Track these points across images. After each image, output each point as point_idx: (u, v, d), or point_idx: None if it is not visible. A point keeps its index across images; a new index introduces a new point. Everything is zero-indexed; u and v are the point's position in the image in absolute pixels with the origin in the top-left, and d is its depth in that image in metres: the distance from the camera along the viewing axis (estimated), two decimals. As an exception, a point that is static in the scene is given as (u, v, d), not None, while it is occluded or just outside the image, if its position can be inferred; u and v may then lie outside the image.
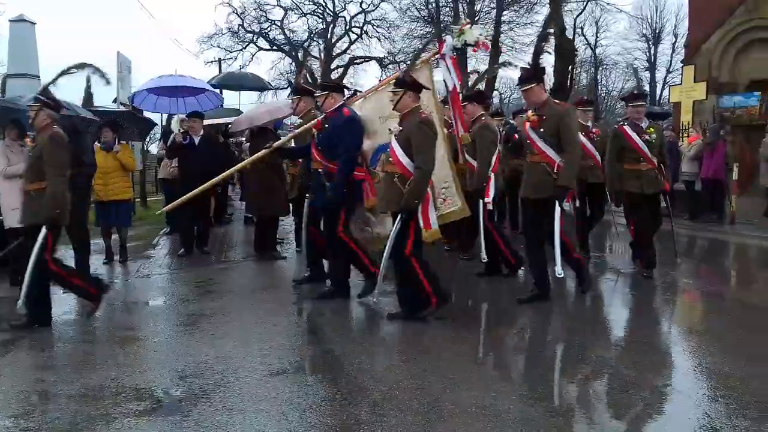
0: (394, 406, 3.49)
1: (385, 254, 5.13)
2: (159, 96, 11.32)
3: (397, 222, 5.03)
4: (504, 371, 4.14)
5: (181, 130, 8.64)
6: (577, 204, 7.25)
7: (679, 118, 16.98)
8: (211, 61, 33.00)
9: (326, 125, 5.80)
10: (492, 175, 6.54)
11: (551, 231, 5.41)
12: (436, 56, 5.97)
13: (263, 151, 6.34)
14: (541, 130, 5.46)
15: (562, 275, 5.37)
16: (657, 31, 38.01)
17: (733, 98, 17.54)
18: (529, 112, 5.77)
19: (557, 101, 5.84)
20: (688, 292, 6.11)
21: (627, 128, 6.57)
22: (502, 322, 5.36)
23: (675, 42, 36.65)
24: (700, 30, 23.54)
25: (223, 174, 6.68)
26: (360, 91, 7.32)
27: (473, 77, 10.00)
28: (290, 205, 8.36)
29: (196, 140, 8.43)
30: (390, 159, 5.14)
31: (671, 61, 37.16)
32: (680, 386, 3.81)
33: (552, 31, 22.82)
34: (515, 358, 4.48)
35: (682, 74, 19.09)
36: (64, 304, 5.88)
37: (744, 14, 22.61)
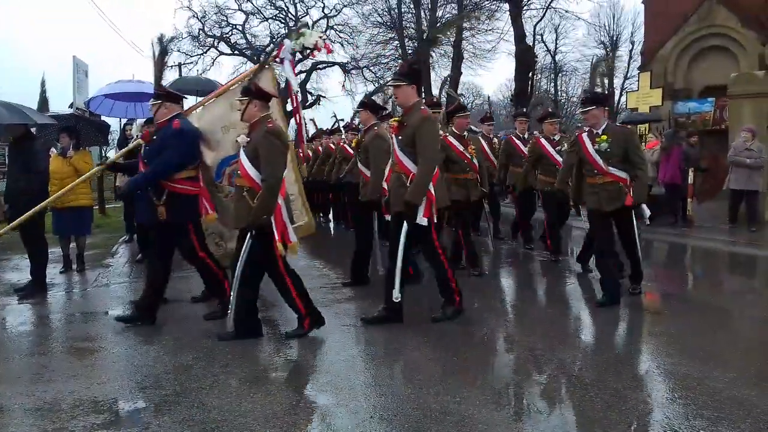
0: (356, 412, 3.48)
1: (236, 274, 4.82)
2: (116, 101, 11.11)
3: (247, 239, 4.75)
4: (468, 376, 4.15)
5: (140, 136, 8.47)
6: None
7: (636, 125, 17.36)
8: (171, 66, 32.58)
9: (154, 137, 5.39)
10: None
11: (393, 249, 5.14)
12: (275, 60, 5.90)
13: (95, 168, 6.31)
14: (400, 138, 5.19)
15: (399, 299, 5.08)
16: (614, 39, 38.77)
17: (688, 104, 18.02)
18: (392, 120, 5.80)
19: (431, 110, 5.62)
20: (648, 294, 6.22)
21: (584, 136, 6.05)
22: (466, 327, 5.38)
23: (632, 49, 37.43)
24: (656, 37, 24.14)
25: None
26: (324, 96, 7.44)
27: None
28: None
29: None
30: (239, 172, 4.90)
31: (628, 67, 37.96)
32: (639, 387, 3.88)
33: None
34: (478, 363, 4.50)
35: (638, 80, 19.50)
36: (19, 315, 5.72)
37: (697, 22, 23.24)
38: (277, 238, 4.72)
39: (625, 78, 38.23)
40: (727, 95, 13.00)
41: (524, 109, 10.20)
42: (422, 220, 4.99)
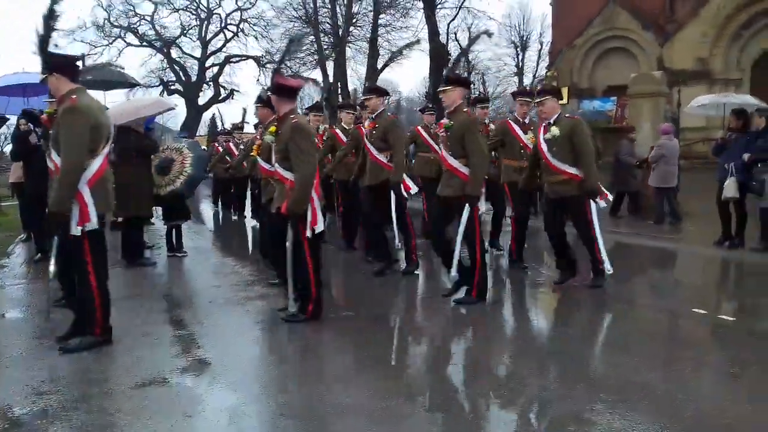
0: (262, 411, 3.43)
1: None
2: (10, 97, 10.55)
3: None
4: (379, 370, 4.16)
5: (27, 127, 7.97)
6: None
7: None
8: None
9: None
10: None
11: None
12: None
13: None
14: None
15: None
16: (524, 39, 39.97)
17: (592, 103, 18.78)
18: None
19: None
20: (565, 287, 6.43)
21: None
22: (376, 322, 5.39)
23: (540, 49, 38.77)
24: (563, 38, 25.02)
25: None
26: None
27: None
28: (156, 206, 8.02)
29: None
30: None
31: (537, 67, 39.26)
32: (543, 374, 4.01)
33: None
34: (389, 357, 4.52)
35: (546, 79, 20.17)
36: None
37: (600, 25, 24.25)
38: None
39: (534, 77, 39.47)
40: (627, 94, 13.64)
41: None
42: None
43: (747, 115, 8.40)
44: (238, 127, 13.16)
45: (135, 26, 34.52)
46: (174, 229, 8.38)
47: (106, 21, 33.44)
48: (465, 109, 5.65)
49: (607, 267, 5.94)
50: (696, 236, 9.82)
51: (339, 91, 28.91)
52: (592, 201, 5.94)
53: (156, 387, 3.82)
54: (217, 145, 14.11)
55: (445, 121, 5.68)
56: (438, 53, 27.57)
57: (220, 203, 14.64)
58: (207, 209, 15.93)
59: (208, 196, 16.92)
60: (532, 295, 6.32)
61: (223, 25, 36.06)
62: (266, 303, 5.83)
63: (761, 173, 7.90)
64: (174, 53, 36.34)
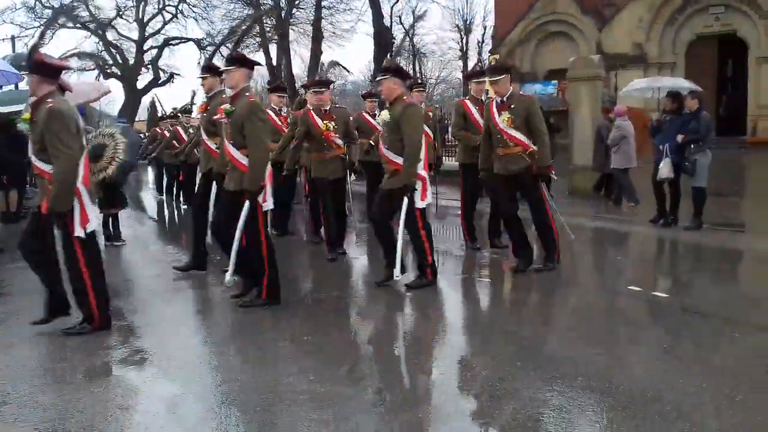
0: (204, 399, 3.38)
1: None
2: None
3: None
4: (321, 356, 4.13)
5: None
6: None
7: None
8: (2, 39, 29.80)
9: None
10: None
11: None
12: None
13: None
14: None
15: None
16: (468, 22, 40.24)
17: (534, 86, 19.03)
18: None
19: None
20: (504, 265, 6.53)
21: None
22: (317, 308, 5.36)
23: (484, 33, 39.13)
24: (505, 22, 25.24)
25: None
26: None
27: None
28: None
29: None
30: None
31: (480, 50, 39.59)
32: (485, 353, 4.07)
33: None
34: (331, 342, 4.50)
35: (489, 63, 20.39)
36: None
37: (541, 9, 24.56)
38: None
39: (479, 61, 39.77)
40: (567, 78, 13.87)
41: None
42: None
43: (681, 98, 8.65)
44: (187, 110, 12.75)
45: (68, 6, 33.17)
46: (111, 218, 8.15)
47: (36, 2, 32.06)
48: (405, 98, 5.56)
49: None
50: (632, 215, 10.10)
51: (282, 75, 28.56)
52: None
53: (92, 379, 3.71)
54: (161, 130, 13.64)
55: (226, 106, 5.08)
56: (382, 37, 27.50)
57: (164, 191, 14.02)
58: (148, 197, 15.53)
59: (149, 183, 16.47)
60: (478, 276, 6.39)
61: (161, 6, 35.03)
62: (207, 291, 5.73)
63: (693, 154, 8.17)
64: (110, 35, 35.17)
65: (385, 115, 5.57)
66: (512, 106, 6.01)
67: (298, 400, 3.33)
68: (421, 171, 5.56)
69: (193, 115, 8.53)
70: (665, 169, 8.36)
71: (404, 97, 5.56)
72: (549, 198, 6.21)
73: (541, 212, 6.11)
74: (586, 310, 5.14)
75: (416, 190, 5.49)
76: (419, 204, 5.54)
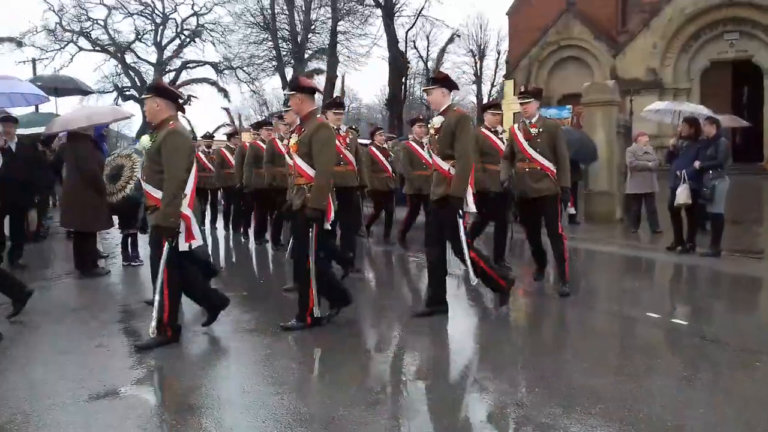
0: (220, 421, 3.37)
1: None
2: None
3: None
4: (338, 378, 4.12)
5: None
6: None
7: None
8: (24, 62, 30.34)
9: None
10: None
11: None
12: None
13: None
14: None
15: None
16: (482, 48, 40.51)
17: (549, 111, 19.07)
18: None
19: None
20: (521, 291, 6.48)
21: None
22: (333, 330, 5.35)
23: (498, 58, 39.35)
24: (519, 47, 25.41)
25: None
26: None
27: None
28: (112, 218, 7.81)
29: (12, 146, 7.81)
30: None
31: (495, 75, 39.82)
32: (500, 379, 4.03)
33: None
34: (347, 364, 4.49)
35: (503, 88, 20.48)
36: None
37: (555, 35, 24.72)
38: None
39: (492, 85, 40.04)
40: (581, 103, 13.89)
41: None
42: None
43: (698, 124, 8.63)
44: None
45: (87, 30, 33.79)
46: (129, 238, 8.20)
47: (57, 25, 32.68)
48: (455, 108, 5.52)
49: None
50: (648, 241, 10.03)
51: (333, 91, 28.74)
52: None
53: (110, 399, 3.71)
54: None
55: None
56: (396, 61, 27.74)
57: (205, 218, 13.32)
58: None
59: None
60: (490, 301, 6.35)
61: (179, 30, 35.58)
62: (224, 313, 5.73)
63: (712, 180, 8.12)
64: (128, 58, 35.72)
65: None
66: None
67: (314, 422, 3.31)
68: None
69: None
70: (683, 195, 8.31)
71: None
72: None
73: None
74: (604, 337, 5.10)
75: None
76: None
